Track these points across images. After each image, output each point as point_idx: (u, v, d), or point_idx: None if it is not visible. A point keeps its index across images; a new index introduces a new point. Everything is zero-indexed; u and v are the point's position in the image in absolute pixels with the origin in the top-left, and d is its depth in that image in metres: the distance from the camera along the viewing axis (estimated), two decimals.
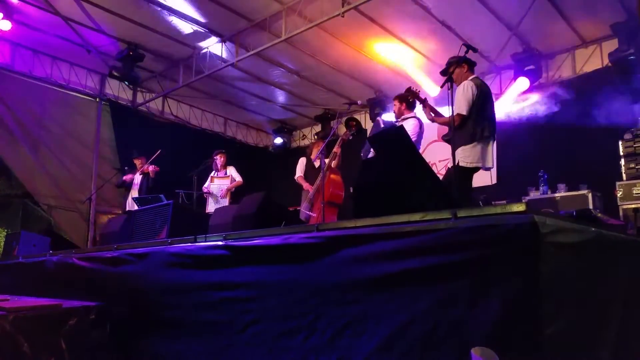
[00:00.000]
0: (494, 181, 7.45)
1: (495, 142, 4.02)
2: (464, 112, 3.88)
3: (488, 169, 4.05)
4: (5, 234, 7.54)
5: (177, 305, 2.72)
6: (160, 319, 2.81)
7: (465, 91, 3.92)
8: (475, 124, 3.87)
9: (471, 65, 4.17)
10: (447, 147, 3.87)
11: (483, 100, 3.92)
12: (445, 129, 4.11)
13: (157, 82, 9.06)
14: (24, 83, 7.97)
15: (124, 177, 7.57)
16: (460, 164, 3.81)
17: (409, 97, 4.66)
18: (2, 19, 6.71)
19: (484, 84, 4.06)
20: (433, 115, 4.25)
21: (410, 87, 4.55)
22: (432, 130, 8.11)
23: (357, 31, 7.10)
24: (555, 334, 1.47)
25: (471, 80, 4.01)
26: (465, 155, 3.84)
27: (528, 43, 7.19)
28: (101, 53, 8.04)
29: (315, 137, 9.94)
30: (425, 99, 4.36)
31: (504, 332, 1.50)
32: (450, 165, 3.77)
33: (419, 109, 4.67)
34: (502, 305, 1.51)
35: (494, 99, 4.18)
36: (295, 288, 2.14)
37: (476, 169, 3.96)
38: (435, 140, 8.41)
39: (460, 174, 3.81)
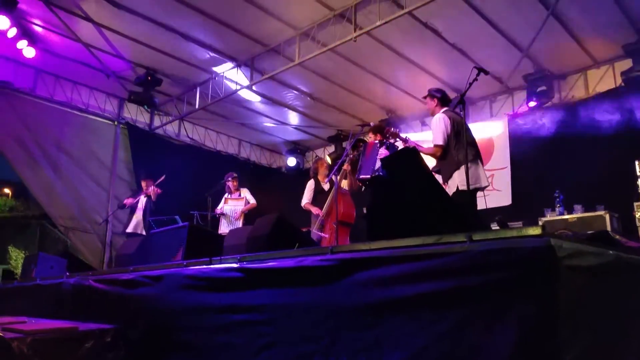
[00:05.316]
0: (509, 202, 7.38)
1: (482, 163, 4.24)
2: (441, 142, 4.14)
3: (484, 188, 4.22)
4: (24, 255, 7.66)
5: (192, 327, 2.73)
6: (175, 342, 2.82)
7: (438, 123, 4.20)
8: (457, 151, 4.10)
9: (443, 100, 4.43)
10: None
11: (459, 129, 4.14)
12: (434, 163, 4.32)
13: (174, 106, 9.25)
14: (45, 107, 8.20)
15: (125, 201, 7.66)
16: (460, 188, 3.93)
17: (389, 137, 4.68)
18: (27, 46, 6.97)
19: (456, 114, 4.32)
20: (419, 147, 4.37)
21: (389, 128, 4.71)
22: None
23: (369, 55, 7.20)
24: (574, 359, 1.44)
25: (443, 112, 4.27)
26: (463, 178, 3.86)
27: (540, 64, 7.21)
28: (120, 78, 8.27)
29: (328, 156, 9.98)
30: (407, 137, 4.54)
31: (521, 357, 1.48)
32: (449, 191, 3.99)
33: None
34: (520, 330, 1.49)
35: (470, 128, 4.37)
36: (310, 311, 2.14)
37: (476, 190, 4.11)
38: None
39: (465, 198, 3.91)
